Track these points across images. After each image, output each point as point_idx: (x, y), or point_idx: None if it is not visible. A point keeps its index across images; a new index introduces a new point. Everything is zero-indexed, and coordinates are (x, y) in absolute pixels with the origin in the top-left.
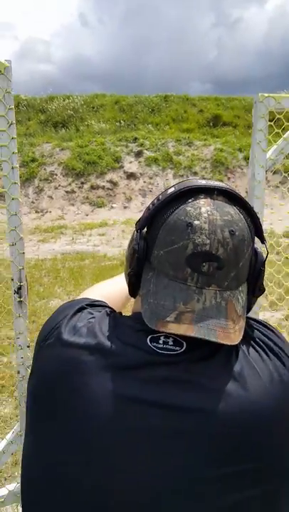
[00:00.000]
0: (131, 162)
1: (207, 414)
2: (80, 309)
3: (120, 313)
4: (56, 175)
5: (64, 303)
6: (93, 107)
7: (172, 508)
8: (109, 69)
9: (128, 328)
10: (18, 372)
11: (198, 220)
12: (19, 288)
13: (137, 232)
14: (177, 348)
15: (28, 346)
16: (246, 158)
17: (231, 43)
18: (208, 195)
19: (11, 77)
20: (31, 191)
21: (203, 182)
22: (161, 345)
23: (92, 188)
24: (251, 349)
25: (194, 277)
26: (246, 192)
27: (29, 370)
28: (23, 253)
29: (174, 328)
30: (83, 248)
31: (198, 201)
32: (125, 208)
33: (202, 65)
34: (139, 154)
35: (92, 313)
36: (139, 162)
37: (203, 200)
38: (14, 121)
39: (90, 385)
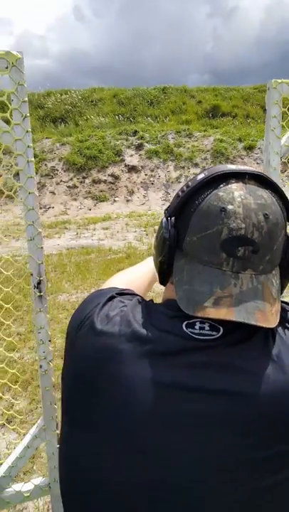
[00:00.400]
0: (132, 155)
1: (247, 397)
2: (111, 298)
3: (152, 300)
4: (57, 170)
5: (91, 293)
6: (92, 101)
7: (215, 491)
8: (107, 62)
9: (162, 315)
10: (41, 367)
11: (231, 204)
12: (39, 283)
13: (167, 219)
14: (214, 333)
15: (50, 340)
16: (246, 148)
17: (228, 33)
18: (240, 179)
19: (23, 68)
20: None
21: (233, 167)
22: (197, 331)
23: (94, 182)
24: (287, 331)
25: (230, 262)
26: None
27: (51, 365)
28: (42, 247)
29: (213, 313)
30: (88, 242)
31: (230, 186)
32: (128, 201)
33: (200, 57)
34: (139, 147)
35: (124, 302)
36: (140, 155)
37: (235, 184)
38: (28, 114)
39: (128, 373)
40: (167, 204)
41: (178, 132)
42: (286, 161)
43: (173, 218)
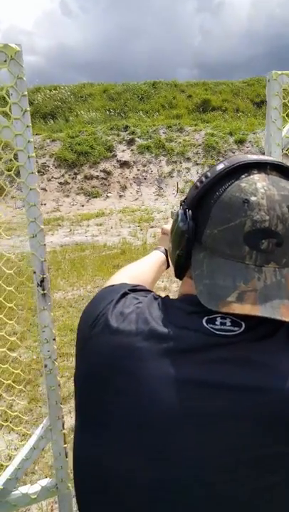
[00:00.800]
0: (123, 151)
1: (270, 393)
2: (124, 295)
3: (168, 296)
4: (48, 167)
5: (101, 289)
6: (81, 97)
7: (238, 486)
8: (95, 57)
9: (180, 311)
10: (46, 366)
11: (255, 196)
12: (42, 280)
13: (185, 211)
14: (236, 329)
15: (54, 339)
16: (237, 142)
17: (216, 27)
18: (262, 170)
19: (22, 62)
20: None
21: (254, 157)
22: (218, 327)
23: (86, 178)
24: None
25: (253, 255)
26: None
27: (56, 364)
28: (44, 245)
29: (238, 308)
30: (82, 239)
31: (252, 177)
32: (121, 196)
33: (188, 51)
34: (131, 142)
35: (138, 298)
36: (132, 150)
37: (258, 175)
38: (28, 109)
39: (148, 371)
40: (160, 199)
41: (169, 127)
42: (287, 152)
43: (190, 211)
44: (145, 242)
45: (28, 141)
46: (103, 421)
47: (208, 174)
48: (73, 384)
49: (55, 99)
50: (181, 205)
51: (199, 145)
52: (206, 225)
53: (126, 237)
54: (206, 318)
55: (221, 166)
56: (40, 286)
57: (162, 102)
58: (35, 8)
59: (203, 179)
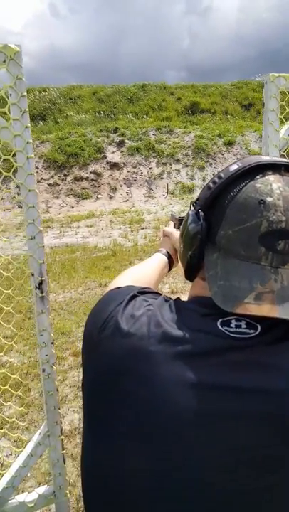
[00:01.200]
0: (113, 152)
1: (284, 396)
2: (133, 297)
3: (179, 298)
4: (37, 168)
5: (107, 292)
6: (71, 99)
7: (237, 486)
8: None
9: (193, 313)
10: (44, 371)
11: (270, 196)
12: (40, 283)
13: (197, 212)
14: (251, 331)
15: (52, 343)
16: (226, 144)
17: (204, 30)
18: (276, 171)
19: (21, 62)
20: (13, 186)
21: (268, 158)
22: (233, 329)
23: (76, 179)
24: None
25: (269, 256)
26: None
27: (54, 368)
28: (43, 246)
29: (255, 310)
30: (72, 240)
31: (267, 177)
32: (111, 198)
33: (177, 54)
34: (121, 144)
35: (148, 301)
36: (122, 152)
37: (272, 176)
38: (27, 109)
39: (161, 374)
40: (151, 200)
41: (158, 129)
42: (285, 153)
43: (202, 211)
44: (136, 244)
45: (27, 142)
46: (113, 422)
47: (222, 175)
48: (81, 387)
49: (44, 100)
50: (193, 205)
51: (189, 147)
52: (219, 226)
53: (117, 239)
54: (220, 320)
55: (234, 167)
56: (39, 288)
57: (152, 104)
58: (25, 10)
59: (217, 180)
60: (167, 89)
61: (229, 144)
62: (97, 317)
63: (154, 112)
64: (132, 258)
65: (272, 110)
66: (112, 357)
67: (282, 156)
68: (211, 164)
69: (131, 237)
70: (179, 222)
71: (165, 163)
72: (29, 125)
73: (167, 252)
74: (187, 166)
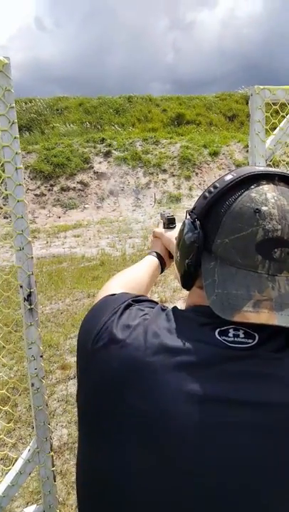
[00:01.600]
0: (100, 162)
1: (285, 408)
2: (128, 306)
3: (175, 306)
4: (24, 178)
5: (100, 300)
6: (57, 110)
7: (258, 504)
8: (70, 71)
9: (190, 323)
10: (33, 385)
11: (265, 205)
12: (29, 295)
13: (194, 221)
14: (249, 341)
15: (42, 356)
16: (211, 154)
17: (187, 44)
18: (270, 181)
19: (10, 74)
20: None
21: (261, 168)
22: (231, 339)
23: (63, 189)
24: None
25: (265, 264)
26: None
27: (43, 382)
28: (32, 258)
29: (254, 318)
30: (59, 251)
31: (261, 187)
32: (98, 207)
33: (161, 67)
34: (107, 154)
35: (143, 310)
36: (109, 162)
37: (267, 186)
38: (16, 120)
39: (160, 386)
40: (138, 210)
41: (145, 140)
42: (271, 163)
43: (198, 220)
44: (124, 253)
45: (16, 153)
46: (112, 436)
47: (217, 185)
48: (76, 400)
49: (30, 111)
50: (189, 214)
51: (175, 157)
52: (216, 235)
53: (104, 249)
54: (218, 330)
55: (229, 177)
56: (27, 300)
57: (138, 116)
58: (10, 24)
59: (212, 189)
60: (153, 100)
61: (214, 154)
62: (90, 327)
63: (140, 123)
64: (121, 267)
65: (258, 121)
66: (108, 369)
67: (268, 165)
68: (197, 174)
69: (119, 246)
70: (168, 221)
71: (152, 173)
72: (18, 136)
73: (158, 254)
74: (174, 175)
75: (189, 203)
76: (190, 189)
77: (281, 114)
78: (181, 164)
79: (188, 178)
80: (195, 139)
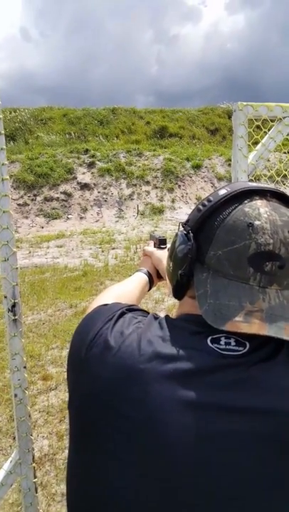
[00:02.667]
0: (84, 173)
1: (281, 415)
2: (122, 314)
3: (168, 315)
4: None
5: (94, 309)
6: (41, 120)
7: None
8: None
9: (183, 331)
10: (15, 396)
11: (258, 220)
12: (13, 305)
13: (188, 233)
14: (240, 349)
15: (25, 367)
16: (194, 167)
17: (171, 58)
18: (263, 196)
19: None
20: None
21: (254, 184)
22: (223, 346)
23: (46, 199)
24: None
25: (257, 277)
26: None
27: (27, 393)
28: (17, 268)
29: (246, 328)
30: (42, 261)
31: (254, 202)
32: (81, 218)
33: (145, 79)
34: (91, 165)
35: (137, 318)
36: (92, 173)
37: (260, 201)
38: (2, 131)
39: (154, 395)
40: (121, 221)
41: (128, 151)
42: (253, 178)
43: (191, 232)
44: (107, 264)
45: (2, 164)
46: (104, 446)
47: (211, 198)
48: (67, 408)
49: (14, 121)
50: (182, 226)
51: (158, 169)
52: (209, 247)
53: (87, 259)
54: (210, 337)
55: (223, 192)
56: (11, 311)
57: (121, 128)
58: None
59: (206, 203)
60: (137, 113)
61: (197, 167)
62: (84, 334)
63: (124, 135)
64: (103, 278)
65: (241, 137)
66: (101, 377)
67: (250, 180)
68: (179, 186)
69: (102, 257)
70: (159, 242)
71: (135, 185)
72: (4, 147)
73: (148, 272)
74: (157, 187)
75: (172, 215)
76: (173, 201)
77: (263, 130)
78: (164, 176)
79: (171, 190)
80: (178, 152)
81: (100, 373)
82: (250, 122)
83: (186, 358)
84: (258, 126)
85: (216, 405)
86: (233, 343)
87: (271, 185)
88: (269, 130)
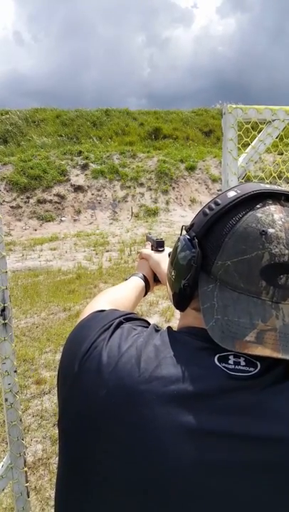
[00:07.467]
0: (77, 175)
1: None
2: (119, 325)
3: (170, 327)
4: None
5: (88, 316)
6: (34, 122)
7: None
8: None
9: (186, 346)
10: (6, 400)
11: (272, 228)
12: (3, 309)
13: (192, 238)
14: (251, 369)
15: (15, 371)
16: (188, 169)
17: (163, 61)
18: (277, 200)
19: None
20: None
21: (267, 186)
22: (232, 366)
23: (39, 202)
24: None
25: (270, 291)
26: None
27: (17, 397)
28: (6, 272)
29: (258, 350)
30: (35, 264)
31: (268, 207)
32: (75, 220)
33: (137, 82)
34: (85, 167)
35: (136, 329)
36: (86, 175)
37: (273, 206)
38: None
39: (154, 419)
40: (115, 223)
41: (122, 153)
42: (243, 180)
43: (195, 238)
44: (101, 267)
45: None
46: (94, 472)
47: (219, 201)
48: (57, 425)
49: (6, 123)
50: (186, 231)
51: (152, 171)
52: (216, 255)
53: (81, 262)
54: (217, 356)
55: (233, 194)
56: (1, 315)
57: (115, 129)
58: None
59: (214, 206)
60: (130, 114)
61: (191, 168)
62: (78, 344)
63: (118, 137)
64: (97, 281)
65: (231, 139)
66: (95, 396)
67: (240, 182)
68: (174, 188)
69: (96, 260)
70: (157, 244)
71: (129, 187)
72: None
73: (144, 276)
74: (151, 189)
75: (166, 217)
76: (167, 203)
77: (253, 132)
78: (158, 178)
79: (165, 192)
80: (172, 154)
81: (95, 392)
82: (241, 124)
83: (190, 378)
84: (247, 130)
85: (223, 433)
86: (242, 363)
87: (284, 187)
88: (259, 133)
